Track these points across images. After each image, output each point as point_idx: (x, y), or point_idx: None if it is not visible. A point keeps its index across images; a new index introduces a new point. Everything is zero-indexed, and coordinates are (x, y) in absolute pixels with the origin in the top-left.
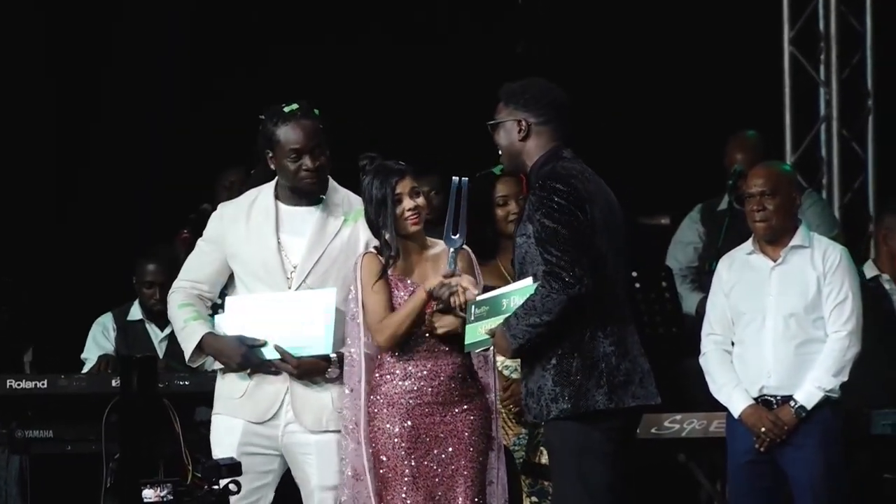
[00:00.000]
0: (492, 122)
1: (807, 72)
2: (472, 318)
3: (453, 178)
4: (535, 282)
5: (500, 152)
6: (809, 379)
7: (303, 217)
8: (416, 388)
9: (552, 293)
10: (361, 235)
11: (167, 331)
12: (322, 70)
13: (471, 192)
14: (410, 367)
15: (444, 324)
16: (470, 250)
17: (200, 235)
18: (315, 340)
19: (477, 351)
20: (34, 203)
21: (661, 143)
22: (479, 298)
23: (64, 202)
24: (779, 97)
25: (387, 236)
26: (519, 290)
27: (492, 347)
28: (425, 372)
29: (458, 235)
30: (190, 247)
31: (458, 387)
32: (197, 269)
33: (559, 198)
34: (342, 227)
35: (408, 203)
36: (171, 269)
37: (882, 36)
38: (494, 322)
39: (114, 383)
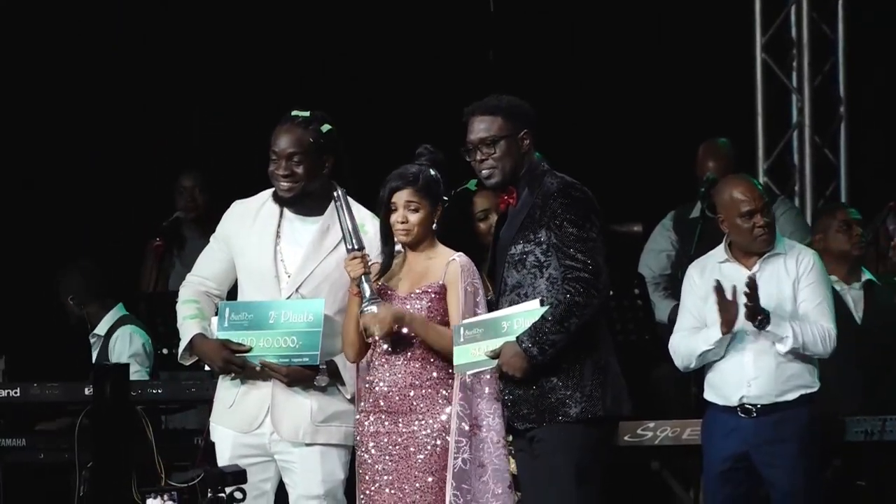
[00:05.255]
0: (497, 136)
1: (779, 79)
2: (462, 339)
3: (335, 192)
4: (539, 295)
5: (490, 167)
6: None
7: (304, 227)
8: (372, 399)
9: (580, 297)
10: (373, 250)
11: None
12: (291, 78)
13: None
14: (373, 377)
15: (366, 321)
16: (464, 261)
17: (173, 243)
18: (303, 349)
19: (469, 373)
20: (3, 212)
21: (633, 150)
22: (467, 321)
23: (33, 211)
24: (751, 104)
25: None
26: (525, 313)
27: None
28: (382, 381)
29: (351, 245)
30: (162, 255)
31: (414, 396)
32: (206, 266)
33: (583, 206)
34: (341, 243)
35: (398, 215)
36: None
37: (854, 43)
38: (494, 343)
39: (87, 391)
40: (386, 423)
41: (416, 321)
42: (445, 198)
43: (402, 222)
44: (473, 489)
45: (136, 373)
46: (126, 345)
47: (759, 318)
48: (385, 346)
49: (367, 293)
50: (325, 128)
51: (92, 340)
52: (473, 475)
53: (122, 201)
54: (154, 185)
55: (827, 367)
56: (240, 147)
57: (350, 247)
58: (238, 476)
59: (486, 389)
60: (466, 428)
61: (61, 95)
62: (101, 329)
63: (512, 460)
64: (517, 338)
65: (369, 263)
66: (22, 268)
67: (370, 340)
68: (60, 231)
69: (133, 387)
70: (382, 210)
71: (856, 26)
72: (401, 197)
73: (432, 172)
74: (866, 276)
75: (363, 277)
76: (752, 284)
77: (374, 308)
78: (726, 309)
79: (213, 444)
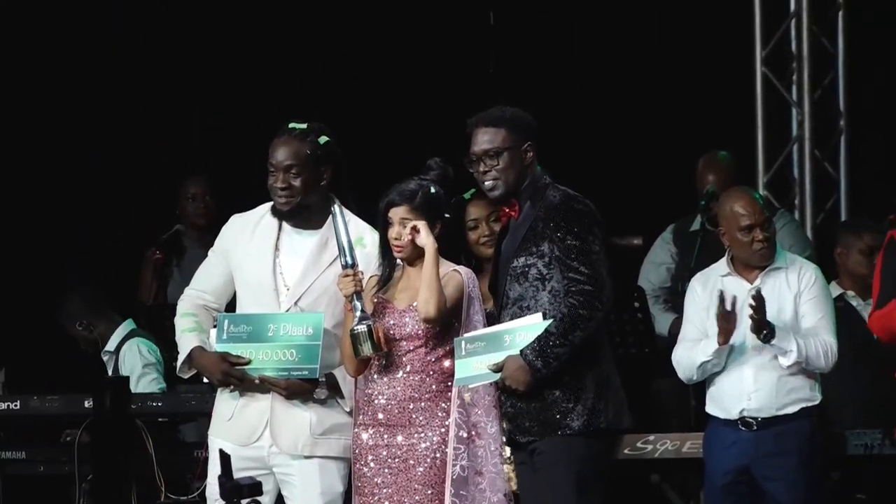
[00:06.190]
0: (500, 147)
1: (779, 92)
2: (463, 352)
3: (333, 207)
4: (542, 308)
5: (493, 178)
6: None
7: (302, 240)
8: (371, 412)
9: (584, 309)
10: (371, 263)
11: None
12: (291, 78)
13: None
14: (372, 390)
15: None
16: (464, 273)
17: (173, 255)
18: (302, 363)
19: (470, 386)
20: (4, 223)
21: (633, 163)
22: (468, 335)
23: (33, 214)
24: (751, 118)
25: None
26: (527, 327)
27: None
28: (381, 394)
29: (344, 262)
30: (162, 268)
31: (413, 409)
32: (204, 280)
33: (586, 218)
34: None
35: (393, 231)
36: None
37: (854, 56)
38: (496, 357)
39: (87, 404)
40: (385, 437)
41: (432, 253)
42: (447, 215)
43: (397, 238)
44: (470, 496)
45: (154, 380)
46: (136, 356)
47: (765, 331)
48: (383, 360)
49: (358, 311)
50: (323, 139)
51: (105, 358)
52: (471, 482)
53: (122, 202)
54: (154, 186)
55: (840, 380)
56: (240, 148)
57: (343, 263)
58: (254, 488)
59: (485, 398)
60: (465, 435)
61: (61, 95)
62: (111, 345)
63: (512, 473)
64: (521, 351)
65: (365, 279)
66: (22, 277)
67: (358, 358)
68: (60, 232)
69: (133, 400)
70: (380, 223)
71: (856, 40)
72: (397, 213)
73: (433, 190)
74: None
75: (355, 295)
76: (758, 298)
77: (363, 328)
78: (725, 320)
79: (228, 457)
